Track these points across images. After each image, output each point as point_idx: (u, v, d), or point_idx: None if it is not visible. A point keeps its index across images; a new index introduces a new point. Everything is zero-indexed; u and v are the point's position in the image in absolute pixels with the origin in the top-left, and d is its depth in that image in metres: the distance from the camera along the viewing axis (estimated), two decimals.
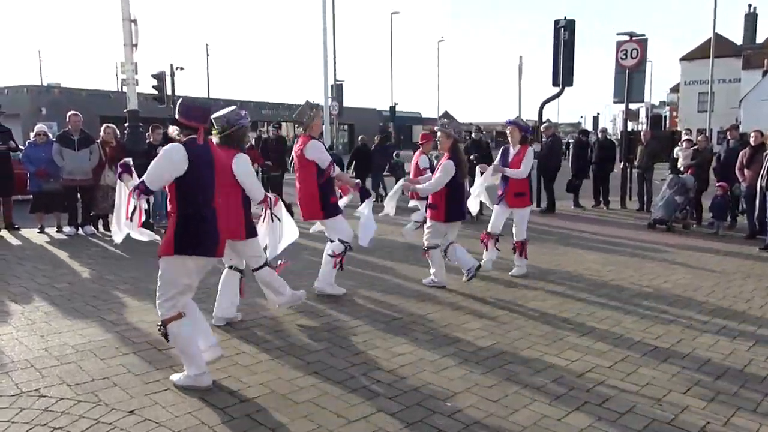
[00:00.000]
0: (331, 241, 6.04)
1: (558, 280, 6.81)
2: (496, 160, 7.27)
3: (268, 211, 5.05)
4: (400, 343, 4.73)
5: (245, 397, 3.73)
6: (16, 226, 9.83)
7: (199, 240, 3.85)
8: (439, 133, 6.46)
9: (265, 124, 32.41)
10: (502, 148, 7.40)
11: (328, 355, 4.45)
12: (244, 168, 4.81)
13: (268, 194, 5.07)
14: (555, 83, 13.46)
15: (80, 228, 9.75)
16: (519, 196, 7.03)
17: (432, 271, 6.52)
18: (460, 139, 6.75)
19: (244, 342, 4.71)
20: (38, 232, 9.60)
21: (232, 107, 5.02)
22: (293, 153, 6.12)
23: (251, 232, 5.01)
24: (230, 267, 5.14)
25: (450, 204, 6.24)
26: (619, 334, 5.00)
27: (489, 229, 7.11)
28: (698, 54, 47.06)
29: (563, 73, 13.17)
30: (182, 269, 3.86)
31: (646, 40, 13.31)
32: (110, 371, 4.11)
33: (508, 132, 7.16)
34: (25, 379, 3.97)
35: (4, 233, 9.51)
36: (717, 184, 10.50)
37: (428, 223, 6.49)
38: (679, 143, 12.02)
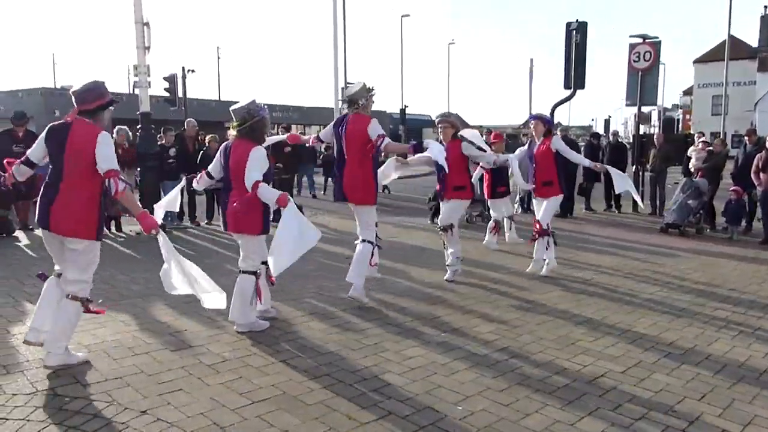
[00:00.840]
0: (364, 241, 5.78)
1: (570, 284, 6.77)
2: (519, 151, 7.71)
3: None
4: (411, 345, 4.72)
5: (257, 399, 3.74)
6: (30, 227, 9.91)
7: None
8: (441, 125, 6.80)
9: (276, 126, 32.53)
10: (528, 141, 7.78)
11: (339, 358, 4.45)
12: (254, 158, 4.70)
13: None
14: (567, 86, 13.40)
15: None
16: (547, 185, 7.19)
17: (450, 251, 6.80)
18: (459, 128, 7.00)
19: (255, 343, 4.72)
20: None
21: (251, 99, 4.97)
22: (342, 135, 5.70)
23: (265, 230, 4.94)
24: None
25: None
26: (632, 338, 4.97)
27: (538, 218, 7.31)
28: (712, 56, 46.72)
29: (575, 76, 13.09)
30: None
31: (659, 42, 13.24)
32: (123, 371, 4.14)
33: (531, 126, 7.55)
34: (40, 378, 4.00)
35: (20, 234, 9.59)
36: (731, 189, 10.40)
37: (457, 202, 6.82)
38: (695, 145, 11.92)
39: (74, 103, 4.16)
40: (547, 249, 7.11)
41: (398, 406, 3.68)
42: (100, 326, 5.06)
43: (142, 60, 10.61)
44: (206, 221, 11.16)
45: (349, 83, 27.71)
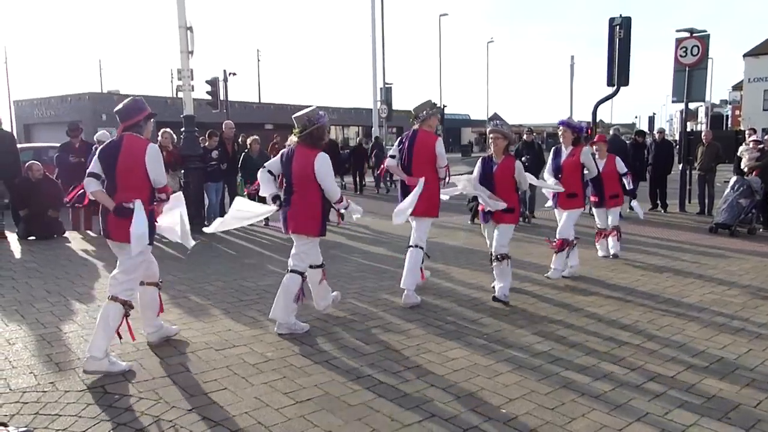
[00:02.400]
0: (416, 246, 6.01)
1: (615, 286, 6.63)
2: (549, 163, 7.12)
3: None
4: (453, 347, 4.69)
5: (300, 399, 3.76)
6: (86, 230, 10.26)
7: None
8: (492, 135, 6.00)
9: None
10: (553, 149, 7.20)
11: (381, 358, 4.45)
12: (323, 168, 4.90)
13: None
14: (610, 83, 13.11)
15: None
16: (570, 197, 6.88)
17: (499, 286, 5.94)
18: (513, 141, 6.35)
19: (296, 344, 4.75)
20: (99, 234, 9.93)
21: (312, 107, 5.17)
22: (408, 149, 6.01)
23: (322, 233, 5.10)
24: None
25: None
26: (681, 342, 4.83)
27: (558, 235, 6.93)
28: (764, 49, 45.12)
29: (618, 73, 12.81)
30: None
31: (707, 36, 12.84)
32: (169, 369, 4.22)
33: (560, 133, 7.02)
34: (90, 375, 4.10)
35: (69, 235, 9.88)
36: None
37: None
38: (745, 143, 11.53)
39: (119, 122, 4.44)
40: (568, 257, 6.91)
41: (441, 408, 3.65)
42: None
43: (186, 64, 10.81)
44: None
45: (387, 84, 27.79)
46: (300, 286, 5.01)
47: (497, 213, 5.94)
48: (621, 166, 8.28)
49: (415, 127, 6.10)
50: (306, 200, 4.96)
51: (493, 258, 6.00)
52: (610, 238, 8.19)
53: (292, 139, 5.09)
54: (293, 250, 5.14)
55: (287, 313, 4.98)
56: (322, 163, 4.88)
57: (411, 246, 6.05)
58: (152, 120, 4.58)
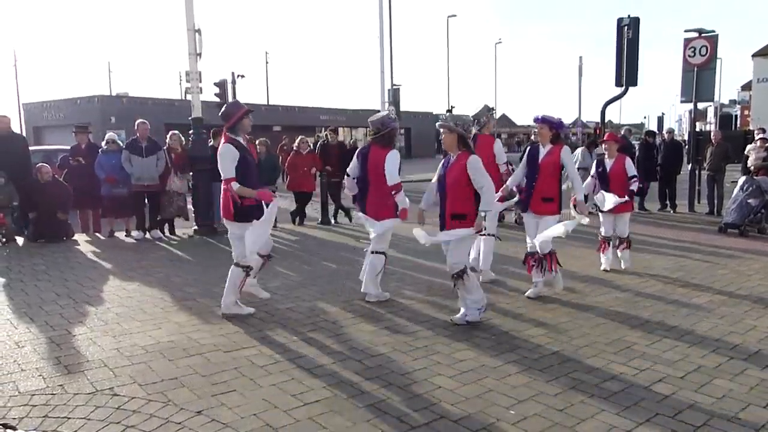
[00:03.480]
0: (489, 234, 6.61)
1: (624, 286, 6.59)
2: (523, 162, 6.38)
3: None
4: (461, 348, 4.68)
5: (308, 400, 3.76)
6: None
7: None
8: (441, 130, 5.37)
9: (323, 129, 32.85)
10: (529, 148, 6.57)
11: (390, 360, 4.44)
12: (391, 162, 5.74)
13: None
14: (618, 83, 13.10)
15: (148, 232, 10.10)
16: (546, 201, 6.05)
17: (469, 299, 5.31)
18: (467, 133, 5.41)
19: (305, 345, 4.76)
20: (108, 237, 10.01)
21: (385, 112, 5.82)
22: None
23: (396, 215, 5.91)
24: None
25: None
26: (691, 342, 4.80)
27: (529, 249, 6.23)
28: None
29: (627, 73, 12.79)
30: None
31: (716, 36, 12.77)
32: (178, 372, 4.23)
33: (537, 130, 6.39)
34: (100, 377, 4.12)
35: (78, 237, 9.94)
36: None
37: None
38: (754, 142, 11.46)
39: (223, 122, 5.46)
40: (542, 272, 6.06)
41: (450, 409, 3.64)
42: (156, 327, 5.20)
43: (194, 66, 10.85)
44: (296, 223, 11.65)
45: (395, 85, 27.77)
46: (384, 264, 6.00)
47: (449, 219, 5.18)
48: (630, 168, 7.29)
49: (475, 131, 6.59)
50: (380, 190, 5.80)
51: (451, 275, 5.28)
52: (619, 251, 7.39)
53: (368, 139, 6.14)
54: (372, 236, 5.98)
55: (374, 285, 5.96)
56: (390, 159, 5.74)
57: (485, 234, 6.46)
58: (249, 117, 5.49)
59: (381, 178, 5.76)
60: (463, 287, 5.23)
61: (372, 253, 6.02)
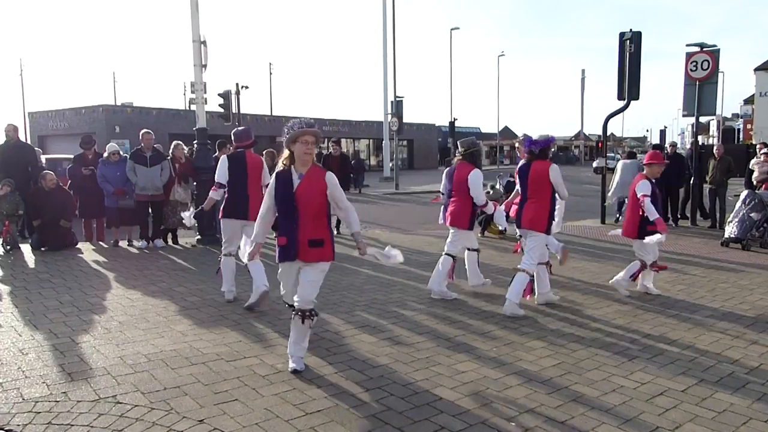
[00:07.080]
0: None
1: (625, 299, 6.60)
2: (517, 182, 6.48)
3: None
4: (462, 360, 4.69)
5: (310, 410, 3.78)
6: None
7: None
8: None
9: (326, 140, 32.95)
10: (519, 165, 6.43)
11: (391, 371, 4.46)
12: (474, 180, 6.41)
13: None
14: (620, 97, 13.13)
15: (151, 241, 10.14)
16: (536, 217, 6.05)
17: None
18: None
19: (307, 355, 4.76)
20: (112, 246, 10.04)
21: (472, 138, 6.77)
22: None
23: (471, 227, 6.67)
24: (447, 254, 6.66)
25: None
26: (692, 356, 4.80)
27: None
28: None
29: (629, 86, 12.83)
30: None
31: (717, 50, 12.83)
32: (181, 380, 4.25)
33: (516, 146, 7.45)
34: (103, 385, 4.14)
35: (82, 246, 9.98)
36: None
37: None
38: (757, 156, 11.49)
39: (233, 141, 6.57)
40: (524, 288, 5.98)
41: (450, 420, 3.65)
42: (159, 336, 5.22)
43: (199, 77, 10.94)
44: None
45: (398, 97, 27.93)
46: (452, 265, 6.56)
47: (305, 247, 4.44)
48: (639, 188, 6.60)
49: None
50: (461, 201, 6.55)
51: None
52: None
53: (457, 157, 6.80)
54: (449, 239, 6.76)
55: (441, 284, 6.56)
56: (474, 177, 6.41)
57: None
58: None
59: (462, 192, 6.52)
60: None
61: (444, 254, 6.69)
